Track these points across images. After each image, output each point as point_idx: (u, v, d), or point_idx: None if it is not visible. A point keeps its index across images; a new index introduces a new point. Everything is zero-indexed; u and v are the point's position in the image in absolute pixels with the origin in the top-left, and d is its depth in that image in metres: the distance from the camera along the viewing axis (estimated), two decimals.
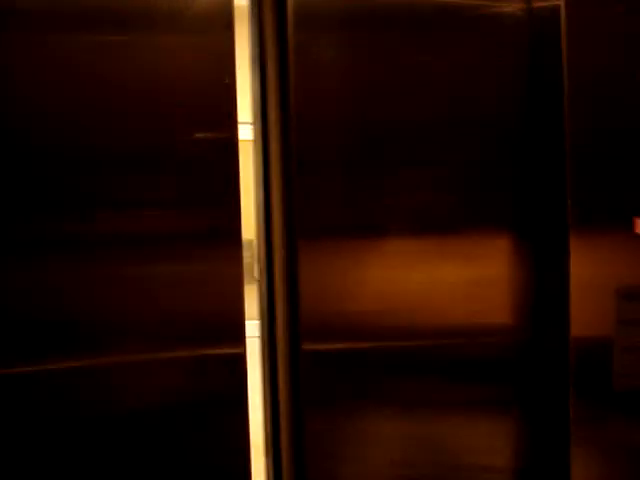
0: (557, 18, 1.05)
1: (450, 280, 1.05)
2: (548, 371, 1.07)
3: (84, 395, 0.91)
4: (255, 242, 1.03)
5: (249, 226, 1.01)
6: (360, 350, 1.00)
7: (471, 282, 1.06)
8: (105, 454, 0.92)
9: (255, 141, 1.01)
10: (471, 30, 1.08)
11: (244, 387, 0.95)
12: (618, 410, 1.09)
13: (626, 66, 1.07)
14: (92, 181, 0.90)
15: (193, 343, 0.94)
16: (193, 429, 0.95)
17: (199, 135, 0.93)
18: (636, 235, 1.05)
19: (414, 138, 1.04)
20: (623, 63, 1.07)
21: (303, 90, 0.97)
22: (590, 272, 1.05)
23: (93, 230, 0.91)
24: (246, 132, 1.01)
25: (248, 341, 0.94)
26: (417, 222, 1.04)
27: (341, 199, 1.00)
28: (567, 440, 1.05)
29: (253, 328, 1.00)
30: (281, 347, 0.97)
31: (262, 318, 1.00)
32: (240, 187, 0.94)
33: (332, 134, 0.99)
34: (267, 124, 0.99)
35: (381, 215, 1.02)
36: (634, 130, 1.07)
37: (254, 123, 1.01)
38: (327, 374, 0.99)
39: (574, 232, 1.04)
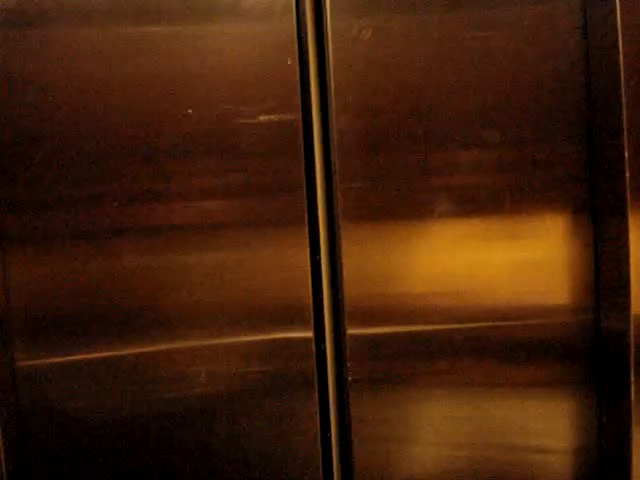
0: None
1: (506, 261, 1.04)
2: (610, 351, 1.05)
3: (160, 378, 0.96)
4: None
5: None
6: (407, 333, 1.00)
7: (527, 263, 1.04)
8: (181, 434, 0.97)
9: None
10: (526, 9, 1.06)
11: (314, 370, 0.97)
12: None
13: None
14: (163, 169, 0.94)
15: (264, 327, 0.97)
16: (265, 411, 0.98)
17: (263, 118, 0.95)
18: None
19: (460, 118, 1.02)
20: None
21: (343, 72, 0.96)
22: None
23: (165, 219, 0.95)
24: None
25: None
26: (469, 202, 1.03)
27: (385, 180, 1.00)
28: (629, 420, 1.03)
29: None
30: (327, 330, 0.98)
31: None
32: (303, 170, 0.95)
33: (374, 115, 0.98)
34: (309, 107, 0.99)
35: (427, 196, 1.01)
36: None
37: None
38: (374, 357, 0.99)
39: (633, 207, 1.00)
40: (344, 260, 0.96)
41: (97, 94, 0.93)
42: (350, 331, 0.97)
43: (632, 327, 1.00)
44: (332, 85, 0.96)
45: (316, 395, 0.98)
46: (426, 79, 1.01)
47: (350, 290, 0.97)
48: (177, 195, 0.95)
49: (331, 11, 0.96)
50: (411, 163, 1.00)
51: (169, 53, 0.93)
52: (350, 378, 0.97)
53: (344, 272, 0.96)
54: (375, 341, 0.99)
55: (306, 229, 0.97)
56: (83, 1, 0.91)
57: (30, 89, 0.91)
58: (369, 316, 0.99)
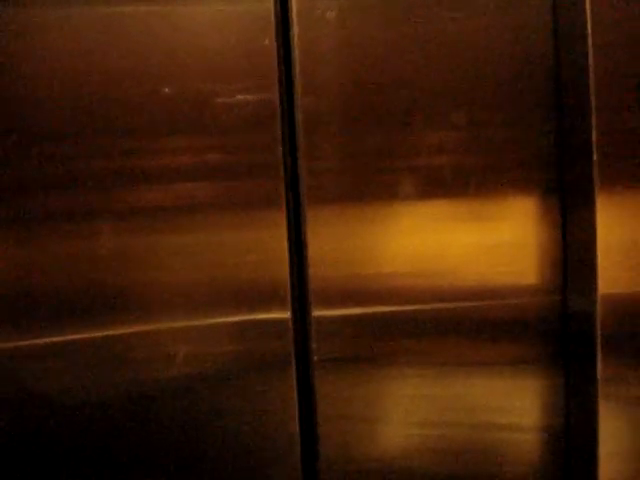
0: None
1: (473, 242, 1.04)
2: (577, 331, 1.06)
3: (135, 360, 0.96)
4: None
5: None
6: (374, 314, 1.01)
7: (494, 244, 1.05)
8: (158, 416, 0.98)
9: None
10: None
11: (291, 351, 0.97)
12: None
13: None
14: (137, 149, 0.94)
15: (240, 309, 0.97)
16: (241, 393, 0.99)
17: (240, 97, 0.94)
18: None
19: (427, 98, 1.01)
20: None
21: (306, 50, 0.96)
22: (618, 229, 1.02)
23: (139, 199, 0.94)
24: None
25: None
26: (436, 184, 1.03)
27: (351, 161, 1.00)
28: (595, 399, 1.04)
29: None
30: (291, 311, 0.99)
31: None
32: (281, 151, 0.95)
33: (337, 95, 0.98)
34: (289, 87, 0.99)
35: (394, 177, 1.01)
36: None
37: None
38: (341, 337, 1.00)
39: (601, 189, 1.01)
40: (309, 241, 0.97)
41: (70, 73, 0.92)
42: (316, 313, 0.98)
43: (598, 308, 1.01)
44: (297, 66, 0.95)
45: (294, 375, 0.99)
46: (392, 60, 1.00)
47: (316, 271, 0.98)
48: (152, 175, 0.95)
49: None
50: (378, 144, 1.00)
51: (144, 31, 0.93)
52: (316, 358, 0.98)
53: (309, 253, 0.97)
54: (342, 322, 1.00)
55: (284, 210, 0.97)
56: None
57: None
58: (335, 297, 0.99)
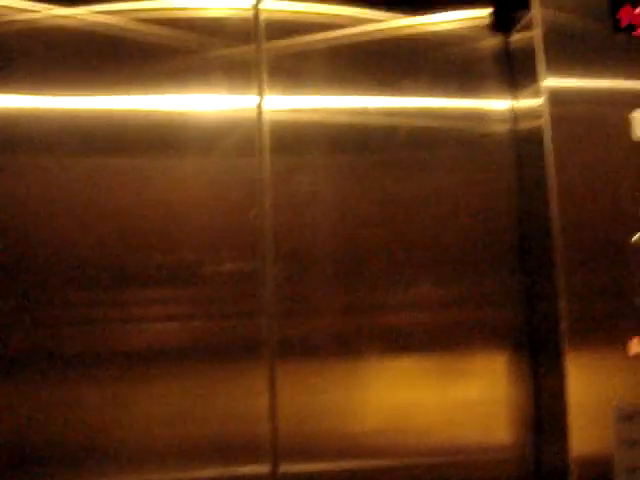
0: (541, 138, 1.08)
1: (443, 398, 1.05)
2: None
3: None
4: None
5: None
6: (341, 470, 1.01)
7: (464, 400, 1.05)
8: None
9: None
10: (459, 151, 1.12)
11: None
12: None
13: (606, 182, 1.08)
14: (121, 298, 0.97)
15: (219, 461, 0.97)
16: None
17: (225, 266, 0.98)
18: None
19: (394, 256, 1.05)
20: (605, 178, 1.09)
21: (282, 224, 1.02)
22: (588, 390, 1.03)
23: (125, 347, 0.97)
24: None
25: None
26: (403, 340, 1.05)
27: (322, 320, 1.02)
28: None
29: None
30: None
31: None
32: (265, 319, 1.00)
33: (309, 262, 1.02)
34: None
35: (362, 334, 1.03)
36: (621, 246, 1.08)
37: None
38: None
39: (570, 350, 1.02)
40: (278, 398, 0.98)
41: (63, 225, 0.96)
42: (283, 468, 0.98)
43: (572, 469, 1.00)
44: (272, 237, 1.01)
45: None
46: (362, 223, 1.05)
47: (285, 426, 0.98)
48: (132, 326, 0.97)
49: (271, 163, 1.03)
50: (349, 301, 1.03)
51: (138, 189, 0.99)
52: None
53: (277, 411, 0.98)
54: (308, 477, 0.99)
55: (265, 364, 0.99)
56: (53, 134, 0.97)
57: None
58: (304, 452, 0.99)
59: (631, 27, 1.13)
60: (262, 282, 1.00)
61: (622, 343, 1.05)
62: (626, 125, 1.10)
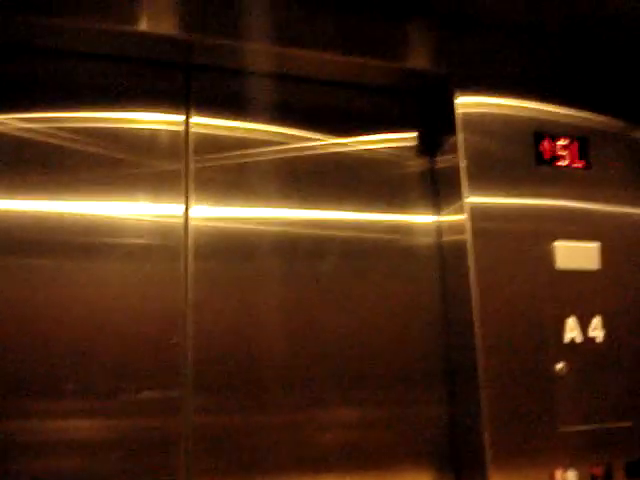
0: (464, 251, 1.11)
1: None
2: None
3: None
4: None
5: None
6: None
7: None
8: None
9: None
10: (385, 261, 1.15)
11: None
12: None
13: (529, 306, 1.12)
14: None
15: None
16: None
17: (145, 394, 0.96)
18: None
19: (312, 376, 1.04)
20: (528, 303, 1.12)
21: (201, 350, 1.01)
22: None
23: None
24: None
25: None
26: (325, 460, 1.02)
27: (234, 438, 1.00)
28: None
29: None
30: None
31: None
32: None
33: (225, 389, 1.00)
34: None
35: (281, 455, 1.01)
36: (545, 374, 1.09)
37: None
38: None
39: (492, 464, 1.01)
40: None
41: None
42: None
43: None
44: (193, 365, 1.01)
45: None
46: (273, 341, 1.05)
47: None
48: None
49: (195, 269, 1.05)
50: (265, 420, 1.01)
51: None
52: None
53: None
54: None
55: None
56: None
57: None
58: None
59: (553, 158, 1.20)
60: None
61: (548, 471, 1.05)
62: (549, 254, 1.15)
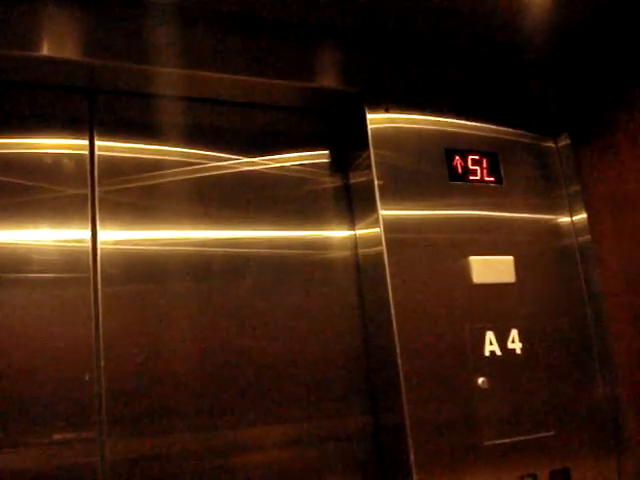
0: (380, 262, 1.12)
1: None
2: None
3: None
4: None
5: None
6: None
7: None
8: None
9: None
10: (302, 277, 1.14)
11: None
12: None
13: (447, 317, 1.13)
14: None
15: None
16: None
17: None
18: None
19: (232, 395, 1.02)
20: (446, 303, 1.13)
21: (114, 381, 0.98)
22: None
23: None
24: None
25: None
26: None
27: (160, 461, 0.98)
28: None
29: None
30: None
31: None
32: None
33: (141, 397, 0.98)
34: None
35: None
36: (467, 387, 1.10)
37: None
38: None
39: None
40: None
41: None
42: None
43: None
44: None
45: None
46: (196, 368, 1.03)
47: None
48: None
49: (103, 293, 1.02)
50: (183, 450, 0.98)
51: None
52: None
53: None
54: None
55: None
56: None
57: None
58: None
59: (465, 173, 1.22)
60: None
61: None
62: (466, 268, 1.17)
